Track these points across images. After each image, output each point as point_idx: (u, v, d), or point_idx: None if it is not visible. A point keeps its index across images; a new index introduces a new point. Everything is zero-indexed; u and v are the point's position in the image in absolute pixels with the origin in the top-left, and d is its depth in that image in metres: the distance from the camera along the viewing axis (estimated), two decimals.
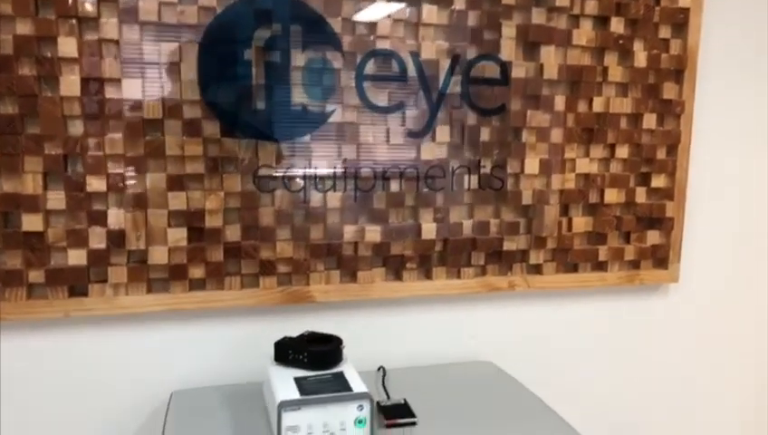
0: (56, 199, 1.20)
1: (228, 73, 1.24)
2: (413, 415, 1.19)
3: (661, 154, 1.53)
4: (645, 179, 1.54)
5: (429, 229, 1.40)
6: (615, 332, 1.62)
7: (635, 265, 1.56)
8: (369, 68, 1.31)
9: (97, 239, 1.22)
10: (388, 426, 1.14)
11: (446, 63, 1.35)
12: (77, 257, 1.22)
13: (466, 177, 1.40)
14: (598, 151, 1.49)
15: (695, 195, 1.61)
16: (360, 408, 1.07)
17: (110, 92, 1.20)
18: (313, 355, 1.16)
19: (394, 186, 1.36)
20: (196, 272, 1.28)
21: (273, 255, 1.32)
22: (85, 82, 1.18)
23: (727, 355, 1.73)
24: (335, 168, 1.33)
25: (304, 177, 1.31)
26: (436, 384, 1.35)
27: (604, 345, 1.62)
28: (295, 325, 1.38)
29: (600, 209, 1.51)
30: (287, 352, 1.18)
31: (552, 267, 1.50)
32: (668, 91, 1.50)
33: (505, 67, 1.39)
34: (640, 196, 1.53)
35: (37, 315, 1.21)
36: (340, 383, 1.11)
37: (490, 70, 1.38)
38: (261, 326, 1.37)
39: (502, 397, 1.31)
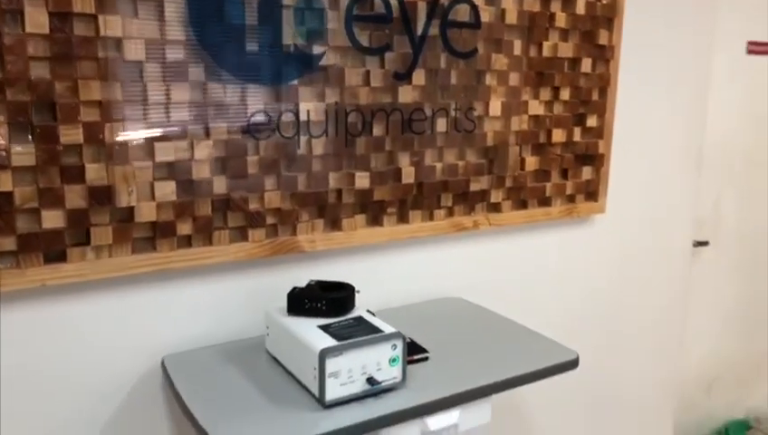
0: (24, 155, 1.05)
1: (217, 12, 1.15)
2: (425, 350, 1.23)
3: (595, 96, 1.67)
4: (581, 120, 1.67)
5: (408, 173, 1.42)
6: (558, 259, 1.77)
7: (572, 199, 1.71)
8: (357, 9, 1.28)
9: (76, 198, 1.09)
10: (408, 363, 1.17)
11: (425, 6, 1.36)
12: (53, 219, 1.08)
13: (440, 120, 1.43)
14: (546, 94, 1.59)
15: (619, 133, 1.78)
16: (394, 347, 1.09)
17: (82, 29, 1.06)
18: (333, 302, 1.15)
19: (378, 130, 1.36)
20: (184, 228, 1.20)
21: (262, 206, 1.27)
22: (54, 17, 1.03)
23: (647, 272, 1.97)
24: (325, 112, 1.29)
25: (293, 122, 1.26)
26: (419, 321, 1.40)
27: (550, 271, 1.76)
28: (285, 277, 1.34)
29: (547, 149, 1.62)
30: (303, 301, 1.15)
31: (508, 205, 1.59)
32: (602, 37, 1.64)
33: (477, 10, 1.42)
34: (577, 135, 1.67)
35: (9, 287, 1.06)
36: (368, 327, 1.11)
37: (463, 12, 1.41)
38: (251, 281, 1.31)
39: (483, 325, 1.39)
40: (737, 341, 2.49)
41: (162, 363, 1.21)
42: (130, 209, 1.14)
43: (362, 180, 1.36)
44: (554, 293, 1.79)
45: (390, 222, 1.43)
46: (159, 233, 1.17)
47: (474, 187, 1.52)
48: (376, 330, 1.10)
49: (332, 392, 1.04)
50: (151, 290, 1.22)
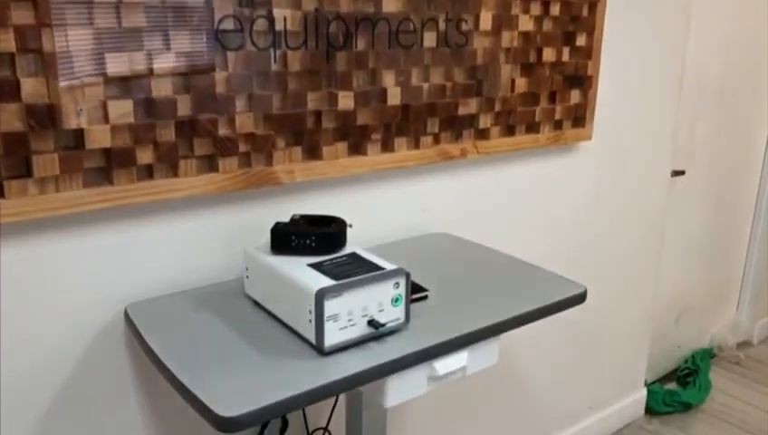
0: None
1: None
2: (423, 289, 1.11)
3: (584, 12, 1.55)
4: (570, 39, 1.55)
5: (394, 94, 1.27)
6: (544, 189, 1.67)
7: (559, 125, 1.60)
8: None
9: (11, 119, 0.90)
10: None
11: None
12: None
13: (429, 33, 1.28)
14: (536, 8, 1.45)
15: (606, 55, 1.67)
16: (397, 285, 0.96)
17: None
18: (323, 238, 1.01)
19: (361, 43, 1.20)
20: (145, 156, 1.02)
21: (232, 131, 1.10)
22: None
23: (627, 202, 1.90)
24: (303, 20, 1.12)
25: (267, 31, 1.09)
26: (407, 258, 1.28)
27: (536, 203, 1.66)
28: (261, 213, 1.19)
29: (537, 69, 1.50)
30: (289, 238, 1.01)
31: (496, 131, 1.47)
32: None
33: None
34: (566, 55, 1.55)
35: None
36: (366, 264, 0.98)
37: None
38: (223, 217, 1.16)
39: (476, 260, 1.28)
40: (703, 271, 2.49)
41: (125, 313, 1.05)
42: (80, 134, 0.96)
43: (345, 101, 1.21)
44: (539, 224, 1.70)
45: (374, 150, 1.29)
46: (116, 162, 1.00)
47: (462, 110, 1.39)
48: (375, 267, 0.97)
49: (331, 338, 0.91)
50: (109, 230, 1.05)
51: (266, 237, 1.09)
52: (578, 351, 1.94)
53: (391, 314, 0.97)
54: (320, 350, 0.92)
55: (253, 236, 1.19)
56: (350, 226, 1.05)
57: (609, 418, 2.10)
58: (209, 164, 1.11)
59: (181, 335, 0.97)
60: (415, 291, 1.10)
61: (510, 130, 1.51)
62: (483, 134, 1.46)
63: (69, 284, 1.03)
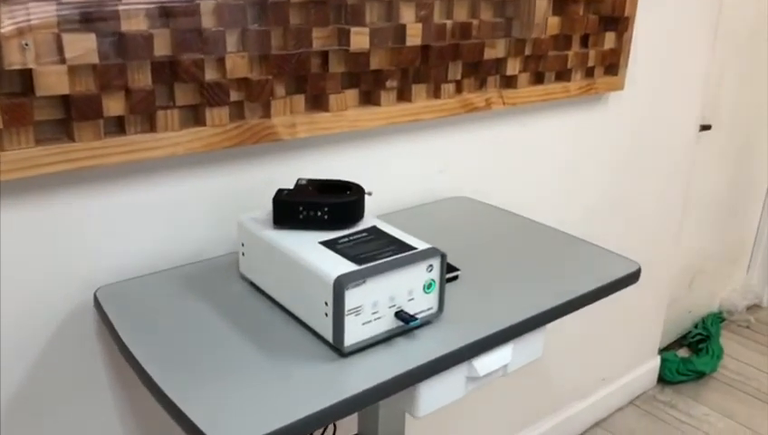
0: None
1: None
2: (454, 268, 0.93)
3: None
4: None
5: (414, 32, 1.06)
6: (573, 146, 1.49)
7: (590, 73, 1.41)
8: None
9: None
10: None
11: None
12: None
13: None
14: None
15: None
16: (430, 268, 0.78)
17: None
18: (338, 210, 0.82)
19: None
20: (114, 106, 0.82)
21: (222, 75, 0.90)
22: None
23: (654, 158, 1.73)
24: None
25: None
26: (427, 228, 1.10)
27: (565, 160, 1.48)
28: (257, 176, 1.00)
29: (570, 7, 1.29)
30: (296, 209, 0.82)
31: (525, 79, 1.27)
32: None
33: None
34: None
35: None
36: (391, 242, 0.80)
37: None
38: (212, 181, 0.96)
39: (507, 230, 1.10)
40: (718, 232, 2.35)
41: (95, 299, 0.86)
42: (27, 76, 0.75)
43: (358, 39, 1.00)
44: (565, 185, 1.53)
45: (389, 100, 1.09)
46: (77, 113, 0.79)
47: (488, 54, 1.19)
48: (403, 246, 0.79)
49: (353, 335, 0.73)
50: (71, 198, 0.85)
51: (264, 205, 0.90)
52: (591, 319, 1.80)
53: (423, 304, 0.79)
54: (339, 350, 0.74)
55: (247, 203, 1.00)
56: (370, 193, 0.87)
57: (622, 389, 1.98)
58: (194, 116, 0.91)
59: (162, 329, 0.79)
60: (447, 270, 0.92)
61: (539, 78, 1.32)
62: (510, 82, 1.26)
63: (23, 266, 0.83)
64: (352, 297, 0.72)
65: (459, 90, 1.19)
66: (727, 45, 1.98)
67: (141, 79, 0.83)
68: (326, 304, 0.73)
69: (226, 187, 0.98)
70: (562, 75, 1.36)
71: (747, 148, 2.30)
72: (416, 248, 0.78)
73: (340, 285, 0.71)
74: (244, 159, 0.99)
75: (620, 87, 1.49)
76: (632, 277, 0.98)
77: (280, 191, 0.84)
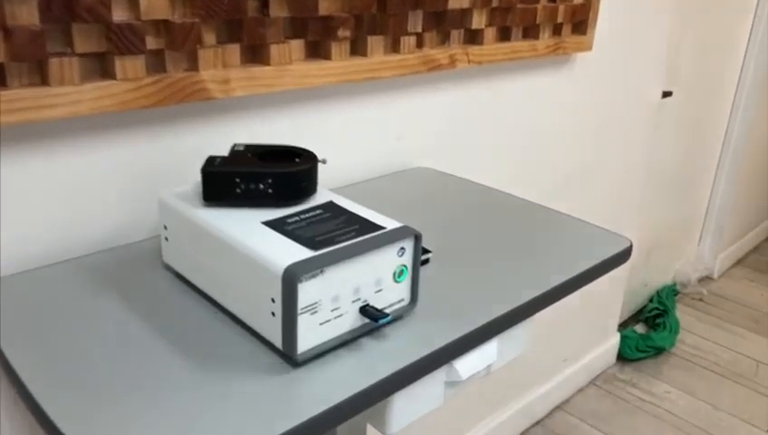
0: None
1: None
2: (426, 250, 0.79)
3: None
4: None
5: None
6: (539, 110, 1.36)
7: (558, 30, 1.28)
8: None
9: None
10: None
11: None
12: None
13: None
14: None
15: None
16: (402, 252, 0.64)
17: None
18: (285, 181, 0.66)
19: None
20: None
21: (135, 15, 0.72)
22: None
23: (617, 127, 1.63)
24: None
25: None
26: (387, 202, 0.95)
27: (531, 126, 1.36)
28: (183, 143, 0.82)
29: None
30: (232, 182, 0.66)
31: (491, 35, 1.13)
32: None
33: None
34: None
35: None
36: (353, 220, 0.65)
37: None
38: (125, 149, 0.78)
39: (479, 204, 0.97)
40: (673, 203, 2.29)
41: None
42: None
43: None
44: (531, 154, 1.40)
45: (341, 53, 0.93)
46: None
47: (452, 3, 1.04)
48: (369, 226, 0.64)
49: (308, 339, 0.58)
50: None
51: (192, 179, 0.73)
52: None
53: (393, 295, 0.64)
54: (290, 358, 0.59)
55: (173, 177, 0.83)
56: (324, 161, 0.71)
57: (582, 369, 1.90)
58: (100, 67, 0.73)
59: (59, 334, 0.61)
60: None
61: (505, 35, 1.18)
62: (475, 38, 1.12)
63: None
64: (307, 292, 0.57)
65: (420, 44, 1.03)
66: (689, 9, 1.90)
67: (25, 15, 0.64)
68: (273, 301, 0.57)
69: (146, 157, 0.80)
70: (530, 32, 1.22)
71: (704, 117, 2.24)
72: (384, 228, 0.63)
73: (292, 277, 0.55)
74: (167, 122, 0.81)
75: (589, 47, 1.37)
76: (623, 256, 0.86)
77: (211, 160, 0.67)
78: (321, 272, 0.57)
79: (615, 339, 2.02)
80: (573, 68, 1.41)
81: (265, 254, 0.58)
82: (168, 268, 0.73)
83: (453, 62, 1.08)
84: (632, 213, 1.86)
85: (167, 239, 0.71)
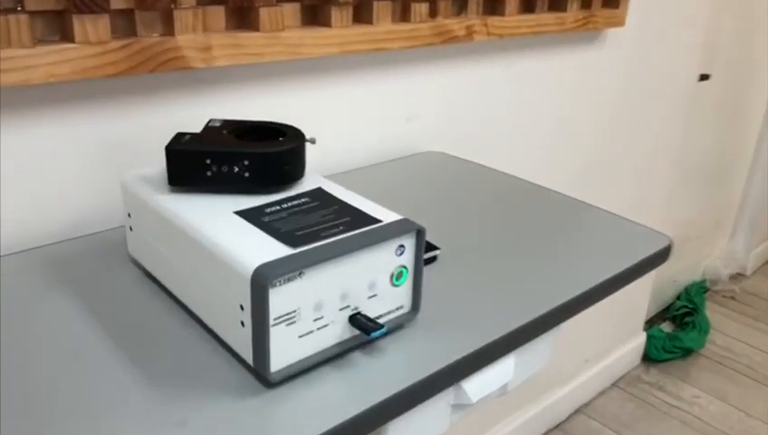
0: None
1: None
2: (433, 246, 0.68)
3: None
4: None
5: None
6: (565, 91, 1.24)
7: (588, 2, 1.16)
8: None
9: None
10: None
11: None
12: None
13: None
14: None
15: None
16: (401, 250, 0.53)
17: None
18: (265, 163, 0.56)
19: None
20: None
21: None
22: None
23: (651, 109, 1.50)
24: None
25: None
26: (393, 192, 0.85)
27: (555, 107, 1.24)
28: (157, 119, 0.72)
29: None
30: (201, 162, 0.55)
31: (513, 5, 1.01)
32: None
33: None
34: None
35: None
36: (344, 211, 0.54)
37: None
38: (88, 125, 0.68)
39: (493, 193, 0.86)
40: (704, 195, 2.16)
41: None
42: None
43: None
44: (556, 138, 1.29)
45: (342, 20, 0.82)
46: None
47: None
48: (362, 218, 0.53)
49: (285, 354, 0.48)
50: None
51: (161, 160, 0.63)
52: None
53: (390, 302, 0.54)
54: (262, 378, 0.49)
55: (143, 158, 0.73)
56: (312, 141, 0.60)
57: (606, 370, 1.79)
58: (59, 27, 0.63)
59: (5, 344, 0.52)
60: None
61: (529, 6, 1.06)
62: (495, 7, 1.01)
63: None
64: (282, 298, 0.46)
65: (434, 13, 0.92)
66: None
67: None
68: (242, 308, 0.47)
69: (112, 134, 0.70)
70: (557, 4, 1.10)
71: (742, 104, 2.10)
72: (380, 221, 0.53)
73: (262, 281, 0.45)
74: (138, 95, 0.71)
75: (621, 22, 1.24)
76: (661, 255, 0.75)
77: (178, 137, 0.57)
78: (300, 274, 0.47)
79: (640, 338, 1.90)
80: (603, 46, 1.28)
81: (233, 251, 0.48)
82: (135, 263, 0.63)
83: (470, 33, 0.97)
84: (660, 204, 1.74)
85: (131, 229, 0.61)
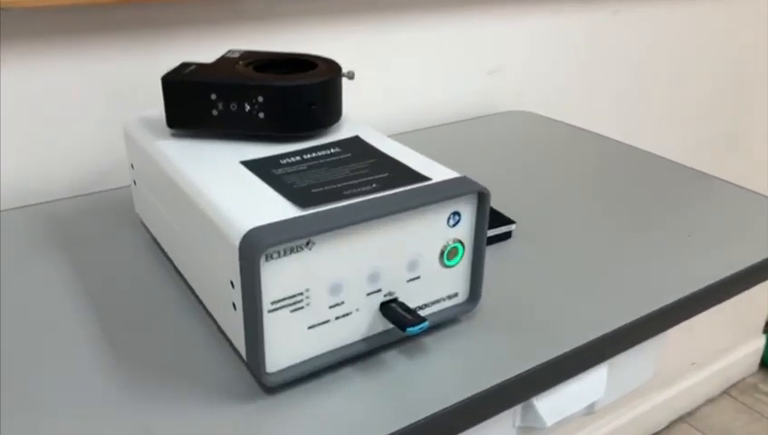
0: None
1: None
2: (507, 219, 0.54)
3: None
4: None
5: None
6: (680, 42, 1.05)
7: None
8: None
9: None
10: None
11: None
12: None
13: None
14: None
15: None
16: (455, 219, 0.39)
17: None
18: (283, 100, 0.43)
19: None
20: None
21: None
22: None
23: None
24: None
25: None
26: (469, 157, 0.70)
27: (669, 63, 1.05)
28: (175, 58, 0.62)
29: None
30: (205, 98, 0.44)
31: None
32: None
33: None
34: None
35: None
36: (383, 165, 0.41)
37: None
38: (92, 61, 0.59)
39: (591, 161, 0.70)
40: None
41: None
42: None
43: None
44: (670, 98, 1.09)
45: None
46: None
47: None
48: (405, 174, 0.40)
49: (287, 351, 0.36)
50: None
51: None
52: None
53: (438, 287, 0.41)
54: (260, 379, 0.37)
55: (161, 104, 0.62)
56: (350, 75, 0.47)
57: (715, 376, 1.57)
58: None
59: None
60: (497, 223, 0.52)
61: None
62: None
63: None
64: (283, 274, 0.34)
65: None
66: None
67: None
68: (232, 284, 0.35)
69: (120, 71, 0.60)
70: None
71: None
72: (429, 179, 0.39)
73: (252, 250, 0.32)
74: (162, 27, 0.60)
75: None
76: None
77: (182, 67, 0.46)
78: (309, 244, 0.34)
79: (759, 342, 1.66)
80: None
81: (225, 210, 0.36)
82: (143, 224, 0.53)
83: None
84: None
85: (135, 183, 0.51)
